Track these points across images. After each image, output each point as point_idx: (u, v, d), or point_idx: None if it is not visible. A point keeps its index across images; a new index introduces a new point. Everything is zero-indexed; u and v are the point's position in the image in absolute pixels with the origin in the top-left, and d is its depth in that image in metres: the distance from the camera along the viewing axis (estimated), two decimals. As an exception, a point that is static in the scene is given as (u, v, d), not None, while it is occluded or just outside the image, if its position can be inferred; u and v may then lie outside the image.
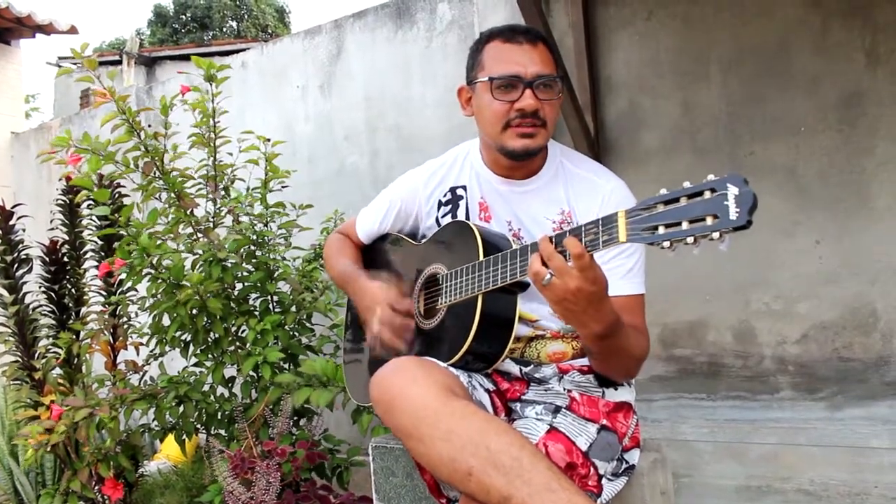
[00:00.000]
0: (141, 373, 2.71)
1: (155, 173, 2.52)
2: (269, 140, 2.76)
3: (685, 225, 0.97)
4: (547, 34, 2.63)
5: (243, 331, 2.60)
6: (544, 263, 1.16)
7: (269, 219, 2.77)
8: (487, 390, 1.41)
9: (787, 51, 2.60)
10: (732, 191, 0.94)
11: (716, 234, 0.94)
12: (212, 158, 2.67)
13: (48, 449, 2.46)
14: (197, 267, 2.57)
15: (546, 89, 1.41)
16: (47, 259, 2.90)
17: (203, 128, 2.64)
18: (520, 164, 1.48)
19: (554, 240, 1.17)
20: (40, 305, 2.93)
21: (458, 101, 1.56)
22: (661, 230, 1.00)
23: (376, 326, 1.46)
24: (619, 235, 1.06)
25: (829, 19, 2.53)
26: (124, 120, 2.47)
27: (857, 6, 2.48)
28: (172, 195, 2.56)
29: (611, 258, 1.41)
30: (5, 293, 2.88)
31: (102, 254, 2.89)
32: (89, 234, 2.97)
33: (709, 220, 0.95)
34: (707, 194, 0.96)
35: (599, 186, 1.48)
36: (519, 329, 1.42)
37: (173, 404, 2.51)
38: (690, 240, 0.97)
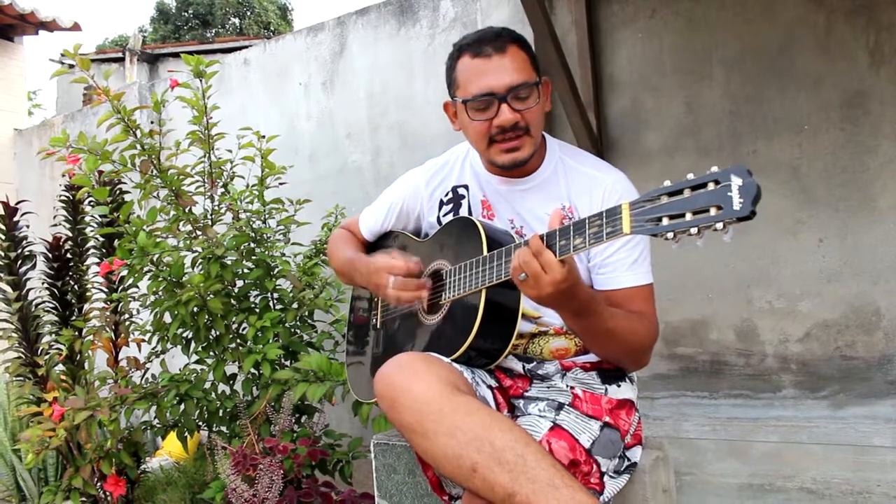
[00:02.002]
0: (143, 370, 2.71)
1: (152, 171, 2.52)
2: (263, 136, 2.76)
3: (689, 216, 0.98)
4: (550, 32, 2.63)
5: (244, 328, 2.60)
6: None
7: (266, 215, 2.77)
8: (490, 387, 1.42)
9: (790, 49, 2.60)
10: (736, 182, 0.94)
11: (720, 225, 0.94)
12: (208, 155, 2.67)
13: (50, 449, 2.46)
14: (196, 265, 2.58)
15: (522, 98, 1.40)
16: (50, 255, 2.91)
17: (199, 125, 2.64)
18: (512, 171, 1.49)
19: (545, 239, 1.19)
20: (43, 302, 2.93)
21: (447, 116, 1.55)
22: (665, 221, 1.00)
23: (391, 295, 1.46)
24: (623, 227, 1.06)
25: (832, 18, 2.53)
26: (119, 119, 2.47)
27: (861, 5, 2.48)
28: (170, 193, 2.56)
29: (615, 250, 1.41)
30: (8, 289, 2.88)
31: (104, 251, 2.90)
32: (92, 231, 2.97)
33: (712, 211, 0.95)
34: (711, 185, 0.97)
35: (600, 180, 1.48)
36: (522, 325, 1.42)
37: (174, 403, 2.51)
38: (694, 231, 0.97)
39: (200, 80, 2.59)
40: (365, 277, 1.57)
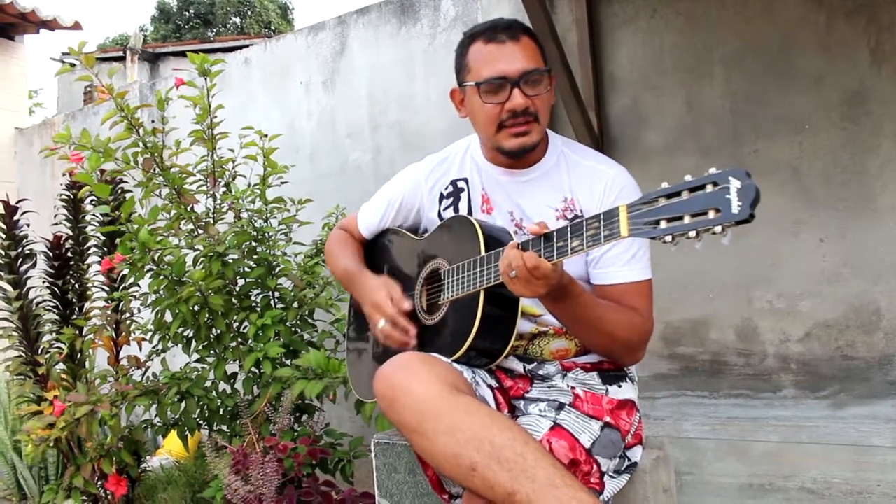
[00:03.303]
0: (143, 369, 2.71)
1: (155, 170, 2.53)
2: (266, 135, 2.76)
3: (687, 219, 0.97)
4: (550, 30, 2.63)
5: (245, 327, 2.61)
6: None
7: (268, 214, 2.78)
8: (490, 387, 1.41)
9: (790, 49, 2.59)
10: (735, 184, 0.93)
11: (718, 228, 0.94)
12: (211, 154, 2.67)
13: (50, 444, 2.46)
14: (198, 263, 2.58)
15: (534, 84, 1.41)
16: (51, 254, 2.91)
17: (202, 123, 2.64)
18: (519, 159, 1.49)
19: (520, 246, 1.23)
20: (44, 301, 2.94)
21: (453, 103, 1.56)
22: (663, 224, 1.00)
23: (380, 336, 1.49)
24: (621, 230, 1.06)
25: (833, 17, 2.52)
26: (123, 117, 2.48)
27: (862, 4, 2.47)
28: (172, 191, 2.56)
29: (612, 245, 1.41)
30: (9, 288, 2.89)
31: (105, 249, 2.90)
32: (93, 230, 2.97)
33: (711, 214, 0.95)
34: (709, 188, 0.96)
35: (602, 173, 1.48)
36: (522, 325, 1.42)
37: (175, 400, 2.51)
38: (692, 234, 0.96)
39: (205, 79, 2.60)
40: (359, 300, 1.61)
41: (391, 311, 1.46)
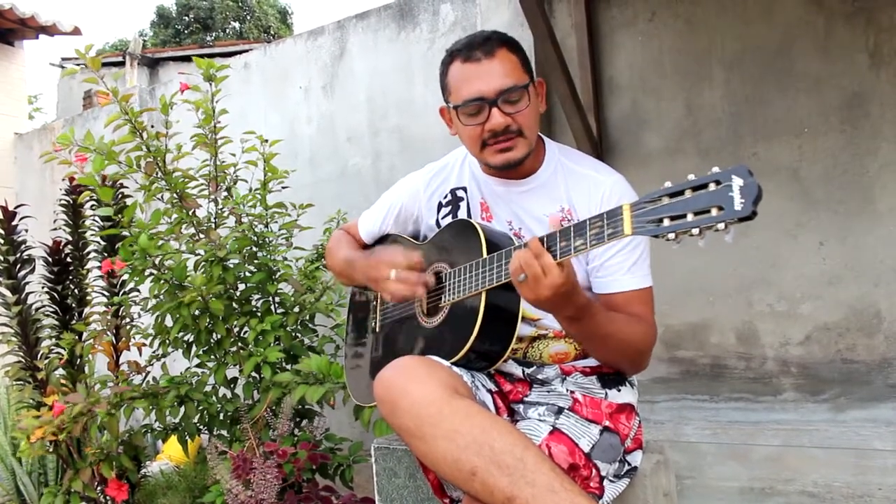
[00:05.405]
0: (143, 374, 2.71)
1: (157, 173, 2.53)
2: (266, 140, 2.77)
3: (690, 217, 0.98)
4: (549, 34, 2.64)
5: (245, 332, 2.60)
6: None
7: (269, 219, 2.78)
8: (490, 391, 1.41)
9: (789, 51, 2.60)
10: (737, 182, 0.94)
11: (721, 226, 0.95)
12: (213, 159, 2.68)
13: (49, 449, 2.45)
14: (199, 268, 2.58)
15: (513, 102, 1.39)
16: (50, 259, 2.91)
17: (205, 128, 2.65)
18: (510, 172, 1.49)
19: (545, 241, 1.20)
20: (43, 306, 2.93)
21: (443, 121, 1.55)
22: (667, 222, 1.00)
23: (392, 285, 1.46)
24: (625, 228, 1.06)
25: (832, 20, 2.53)
26: (126, 120, 2.49)
27: (861, 7, 2.48)
28: (174, 196, 2.57)
29: (614, 253, 1.41)
30: (8, 293, 2.88)
31: (105, 254, 2.90)
32: (92, 235, 2.97)
33: (714, 212, 0.96)
34: (712, 186, 0.97)
35: (600, 182, 1.48)
36: (521, 329, 1.42)
37: (174, 404, 2.51)
38: (696, 231, 0.97)
39: (210, 84, 2.61)
40: (363, 272, 1.57)
41: (400, 258, 1.46)
